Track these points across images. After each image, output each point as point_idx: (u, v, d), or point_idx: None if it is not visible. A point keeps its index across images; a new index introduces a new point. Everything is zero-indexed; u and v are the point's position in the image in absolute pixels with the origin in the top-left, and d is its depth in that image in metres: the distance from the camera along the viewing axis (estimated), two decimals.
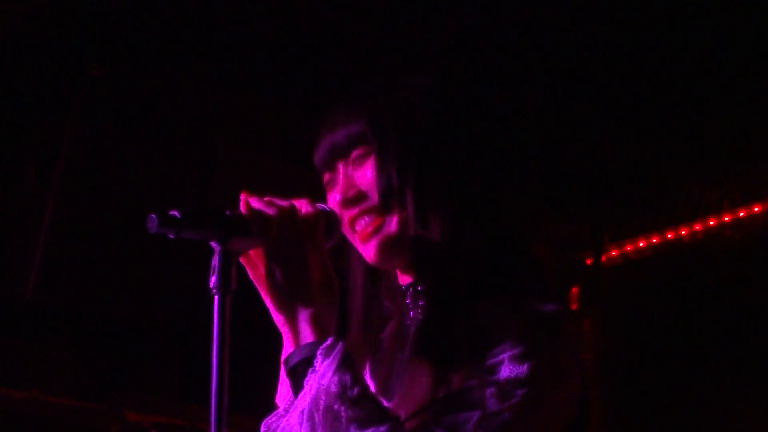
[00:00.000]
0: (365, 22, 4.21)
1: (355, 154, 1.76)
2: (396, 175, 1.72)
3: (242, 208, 1.65)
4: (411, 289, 1.78)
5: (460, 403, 1.57)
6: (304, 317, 1.62)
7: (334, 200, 1.78)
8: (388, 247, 1.75)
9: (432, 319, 1.71)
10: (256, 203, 1.66)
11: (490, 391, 1.56)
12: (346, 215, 1.77)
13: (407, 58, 4.27)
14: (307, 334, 1.61)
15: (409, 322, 1.79)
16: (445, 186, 1.72)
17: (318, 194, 1.80)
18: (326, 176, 1.82)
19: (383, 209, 1.74)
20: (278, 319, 1.68)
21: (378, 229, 1.75)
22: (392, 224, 1.74)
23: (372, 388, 1.76)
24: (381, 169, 1.73)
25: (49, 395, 4.67)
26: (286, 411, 1.68)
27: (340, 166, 1.79)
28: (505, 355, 1.60)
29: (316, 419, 1.54)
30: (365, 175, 1.75)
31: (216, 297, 1.56)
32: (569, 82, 4.54)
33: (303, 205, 1.70)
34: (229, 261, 1.59)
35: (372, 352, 1.86)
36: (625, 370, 5.69)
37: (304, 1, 4.12)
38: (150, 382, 4.98)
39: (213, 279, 1.58)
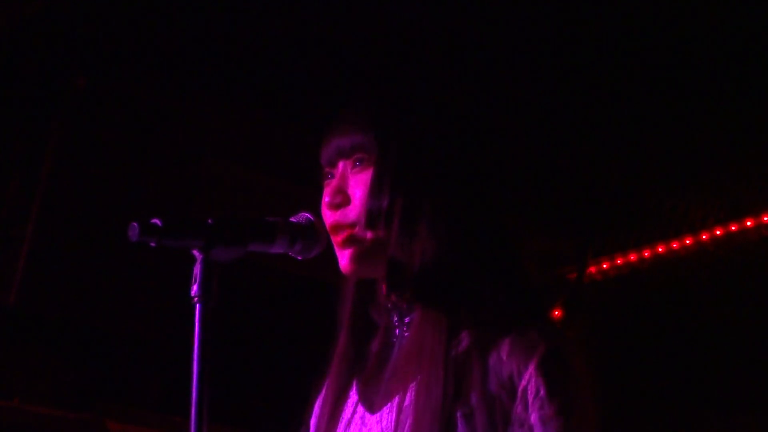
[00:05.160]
0: (354, 36, 4.19)
1: (356, 157, 1.76)
2: (388, 195, 1.71)
3: None
4: (396, 307, 1.77)
5: None
6: None
7: (325, 197, 1.78)
8: (361, 259, 1.74)
9: (415, 345, 1.70)
10: None
11: None
12: (330, 218, 1.76)
13: (398, 72, 4.24)
14: None
15: (394, 339, 1.78)
16: (437, 214, 1.72)
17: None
18: (326, 170, 1.81)
19: (366, 224, 1.72)
20: None
21: (353, 240, 1.74)
22: (368, 237, 1.73)
23: (359, 403, 1.77)
24: (374, 186, 1.72)
25: (31, 405, 4.63)
26: None
27: (341, 164, 1.78)
28: (533, 397, 1.62)
29: None
30: (358, 185, 1.75)
31: (197, 306, 1.54)
32: (554, 98, 4.54)
33: None
34: (210, 270, 1.57)
35: (361, 364, 1.83)
36: (606, 385, 5.68)
37: (291, 14, 4.10)
38: (132, 392, 4.95)
39: (194, 288, 1.55)
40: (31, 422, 4.61)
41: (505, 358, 1.64)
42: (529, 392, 1.61)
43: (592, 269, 5.81)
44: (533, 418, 1.60)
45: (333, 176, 1.79)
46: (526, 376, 1.62)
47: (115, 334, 4.84)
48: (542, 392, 1.61)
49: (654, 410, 5.55)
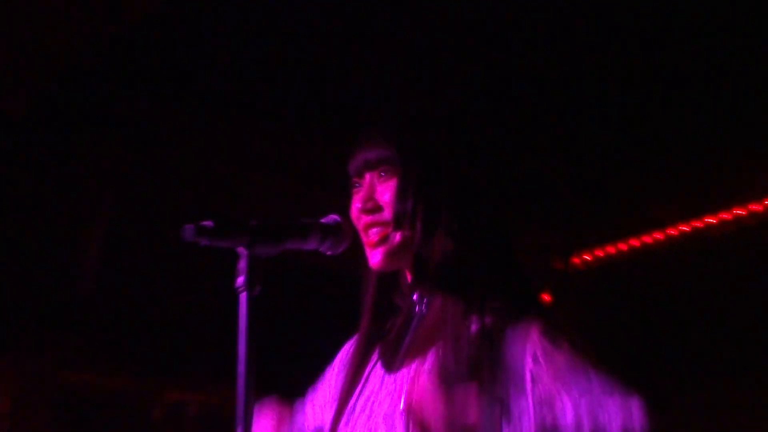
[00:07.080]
0: (358, 46, 4.03)
1: (382, 168, 1.85)
2: (412, 201, 1.81)
3: None
4: (417, 289, 1.86)
5: None
6: None
7: (356, 203, 1.86)
8: (391, 256, 1.83)
9: (437, 320, 1.78)
10: None
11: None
12: (362, 221, 1.85)
13: (396, 84, 4.11)
14: None
15: (413, 316, 1.86)
16: (452, 215, 1.81)
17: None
18: (354, 180, 1.89)
19: (394, 225, 1.82)
20: None
21: (384, 240, 1.82)
22: (397, 238, 1.82)
23: (380, 367, 1.84)
24: (400, 193, 1.81)
25: (105, 377, 4.76)
26: None
27: (368, 176, 1.86)
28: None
29: None
30: (385, 192, 1.83)
31: (242, 295, 1.58)
32: (540, 99, 4.39)
33: None
34: (254, 264, 1.61)
35: (382, 338, 1.91)
36: None
37: (296, 25, 3.89)
38: (189, 365, 5.06)
39: (240, 279, 1.59)
40: (101, 391, 4.74)
41: (509, 339, 1.71)
42: (538, 354, 1.68)
43: (578, 260, 5.73)
44: (549, 368, 1.66)
45: (360, 185, 1.87)
46: (530, 346, 1.69)
47: (174, 319, 4.95)
48: (550, 348, 1.69)
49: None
